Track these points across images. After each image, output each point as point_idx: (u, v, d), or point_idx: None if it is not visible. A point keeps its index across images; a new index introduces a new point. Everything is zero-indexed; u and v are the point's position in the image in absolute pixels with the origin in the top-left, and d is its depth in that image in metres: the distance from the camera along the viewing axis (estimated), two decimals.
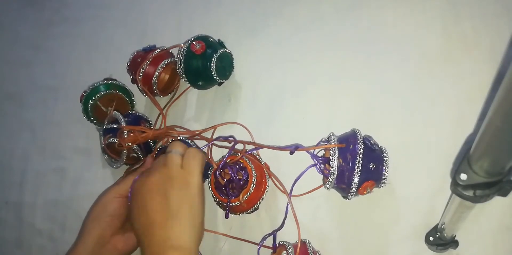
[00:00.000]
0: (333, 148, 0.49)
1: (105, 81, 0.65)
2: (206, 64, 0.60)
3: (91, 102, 0.63)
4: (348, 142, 0.50)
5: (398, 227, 0.53)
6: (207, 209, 0.60)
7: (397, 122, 0.57)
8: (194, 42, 0.60)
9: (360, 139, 0.49)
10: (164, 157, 0.50)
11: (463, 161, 0.36)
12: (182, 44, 0.61)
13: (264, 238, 0.52)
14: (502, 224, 0.50)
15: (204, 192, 0.49)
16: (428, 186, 0.53)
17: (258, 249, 0.52)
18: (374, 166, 0.49)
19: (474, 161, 0.35)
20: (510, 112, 0.28)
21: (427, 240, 0.50)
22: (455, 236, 0.49)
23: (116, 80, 0.66)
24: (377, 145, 0.51)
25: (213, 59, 0.59)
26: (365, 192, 0.49)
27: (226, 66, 0.64)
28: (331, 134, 0.52)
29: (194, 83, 0.62)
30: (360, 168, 0.48)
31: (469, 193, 0.36)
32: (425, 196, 0.53)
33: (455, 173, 0.36)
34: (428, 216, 0.52)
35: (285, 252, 0.49)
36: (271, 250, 0.53)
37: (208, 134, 0.62)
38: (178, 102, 0.68)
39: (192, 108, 0.67)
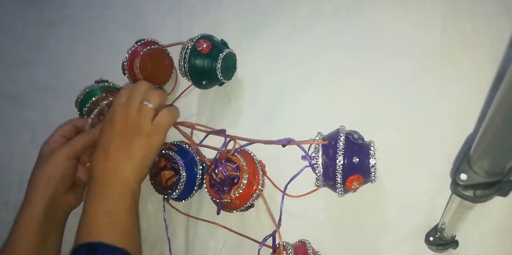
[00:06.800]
0: (317, 146, 0.50)
1: (95, 85, 0.64)
2: (212, 63, 0.60)
3: (85, 108, 0.63)
4: (331, 139, 0.50)
5: (398, 227, 0.53)
6: (207, 209, 0.60)
7: (397, 122, 0.57)
8: (200, 41, 0.60)
9: (342, 135, 0.49)
10: (139, 106, 0.54)
11: (463, 161, 0.36)
12: (186, 42, 0.61)
13: (265, 239, 0.52)
14: (502, 224, 0.50)
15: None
16: (428, 186, 0.53)
17: (259, 250, 0.52)
18: (358, 160, 0.49)
19: (474, 161, 0.35)
20: (510, 112, 0.28)
21: (427, 240, 0.50)
22: (455, 236, 0.49)
23: (107, 81, 0.66)
24: (362, 139, 0.51)
25: (219, 59, 0.59)
26: (352, 187, 0.49)
27: (230, 67, 0.64)
28: (318, 133, 0.52)
29: (197, 83, 0.62)
30: (342, 162, 0.48)
31: (469, 193, 0.36)
32: (425, 196, 0.53)
33: (455, 173, 0.36)
34: (428, 216, 0.52)
35: (285, 252, 0.49)
36: (271, 251, 0.53)
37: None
38: (178, 101, 0.68)
39: (192, 108, 0.67)
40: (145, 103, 0.55)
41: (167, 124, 0.56)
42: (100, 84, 0.64)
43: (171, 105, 0.66)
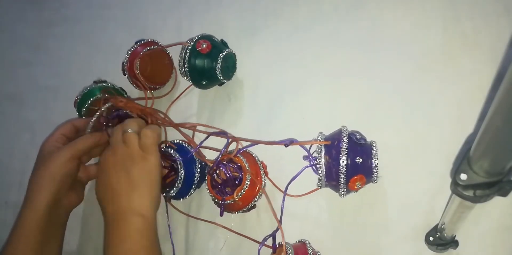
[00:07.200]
0: (319, 146, 0.50)
1: (94, 85, 0.64)
2: (212, 63, 0.60)
3: (84, 109, 0.63)
4: (333, 139, 0.50)
5: (398, 227, 0.53)
6: (207, 209, 0.60)
7: (398, 122, 0.57)
8: (200, 41, 0.60)
9: (344, 135, 0.49)
10: (123, 136, 0.54)
11: (463, 161, 0.36)
12: (186, 42, 0.61)
13: (265, 239, 0.52)
14: (502, 224, 0.50)
15: (160, 168, 0.55)
16: (428, 186, 0.53)
17: (259, 250, 0.52)
18: (361, 160, 0.49)
19: (474, 161, 0.35)
20: (510, 112, 0.28)
21: (427, 240, 0.50)
22: (455, 236, 0.49)
23: (106, 81, 0.66)
24: (365, 139, 0.51)
25: (219, 59, 0.59)
26: (355, 187, 0.49)
27: (230, 67, 0.64)
28: (320, 133, 0.52)
29: (197, 83, 0.62)
30: (345, 162, 0.48)
31: (469, 193, 0.36)
32: (425, 196, 0.53)
33: (455, 173, 0.36)
34: (428, 216, 0.52)
35: (285, 252, 0.49)
36: (271, 251, 0.53)
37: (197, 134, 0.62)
38: (179, 101, 0.68)
39: (192, 108, 0.67)
40: (124, 130, 0.55)
41: (153, 142, 0.55)
42: (99, 85, 0.64)
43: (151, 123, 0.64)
